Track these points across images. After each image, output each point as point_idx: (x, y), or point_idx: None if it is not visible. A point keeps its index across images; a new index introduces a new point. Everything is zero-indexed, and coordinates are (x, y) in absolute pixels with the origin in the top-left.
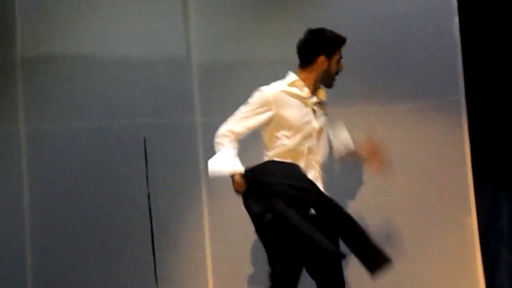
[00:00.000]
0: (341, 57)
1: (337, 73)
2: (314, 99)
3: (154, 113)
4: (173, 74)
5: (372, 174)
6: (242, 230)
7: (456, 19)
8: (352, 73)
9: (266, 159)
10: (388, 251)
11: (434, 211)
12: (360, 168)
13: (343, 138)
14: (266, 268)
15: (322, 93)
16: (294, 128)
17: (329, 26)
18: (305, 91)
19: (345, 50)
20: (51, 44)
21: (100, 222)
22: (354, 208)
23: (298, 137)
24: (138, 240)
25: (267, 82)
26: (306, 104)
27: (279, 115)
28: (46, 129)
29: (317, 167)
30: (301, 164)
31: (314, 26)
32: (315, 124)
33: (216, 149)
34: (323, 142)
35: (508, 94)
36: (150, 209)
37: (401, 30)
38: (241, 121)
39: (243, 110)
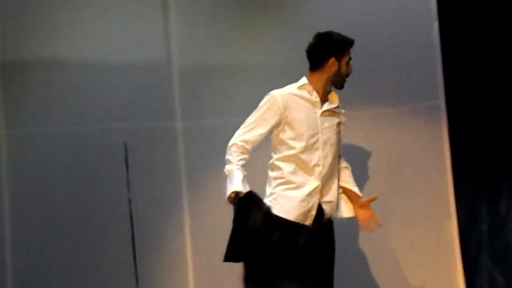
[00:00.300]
0: (350, 59)
1: (347, 74)
2: (326, 105)
3: (134, 118)
4: (154, 78)
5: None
6: (224, 236)
7: (435, 24)
8: None
9: (272, 162)
10: (368, 254)
11: (414, 214)
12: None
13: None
14: None
15: (335, 97)
16: (299, 133)
17: (309, 31)
18: (314, 95)
19: None
20: (31, 49)
21: (81, 227)
22: None
23: (302, 143)
24: (119, 246)
25: (247, 86)
26: (315, 109)
27: (287, 117)
28: (25, 134)
29: (318, 178)
30: (301, 172)
31: (294, 31)
32: (322, 132)
33: (226, 162)
34: (331, 151)
35: (488, 98)
36: (131, 214)
37: (381, 35)
38: (252, 128)
39: (253, 116)
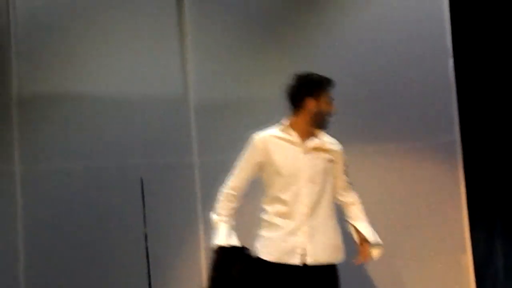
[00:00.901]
0: (331, 99)
1: (328, 114)
2: (309, 144)
3: (151, 154)
4: (170, 113)
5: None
6: None
7: (451, 61)
8: (347, 113)
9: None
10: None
11: (429, 251)
12: None
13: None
14: None
15: (321, 134)
16: (280, 173)
17: (322, 65)
18: (294, 136)
19: (339, 89)
20: (47, 84)
21: (97, 263)
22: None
23: (282, 183)
24: (136, 281)
25: (264, 120)
26: (296, 148)
27: (269, 160)
28: (41, 170)
29: (303, 217)
30: (283, 212)
31: (307, 63)
32: (304, 170)
33: (213, 210)
34: (317, 189)
35: (503, 135)
36: (147, 250)
37: (397, 71)
38: (239, 174)
39: (239, 162)
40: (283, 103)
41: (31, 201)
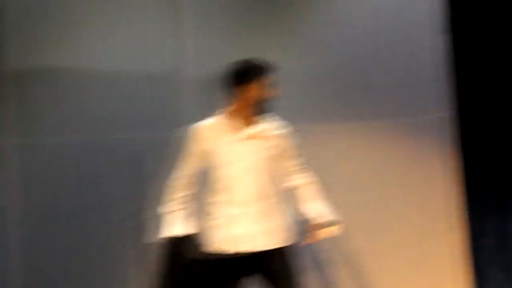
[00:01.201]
0: (272, 84)
1: (269, 99)
2: (249, 131)
3: (144, 128)
4: (164, 88)
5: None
6: None
7: (443, 37)
8: (337, 90)
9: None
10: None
11: (421, 227)
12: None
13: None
14: None
15: (262, 120)
16: (219, 162)
17: (317, 47)
18: (234, 123)
19: (330, 65)
20: (42, 59)
21: (91, 235)
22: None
23: (222, 171)
24: (132, 252)
25: None
26: (235, 135)
27: (209, 149)
28: (36, 144)
29: (246, 204)
30: (224, 200)
31: (303, 41)
32: (243, 157)
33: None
34: (258, 175)
35: (497, 111)
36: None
37: (388, 48)
38: (183, 165)
39: (183, 152)
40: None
41: (27, 175)
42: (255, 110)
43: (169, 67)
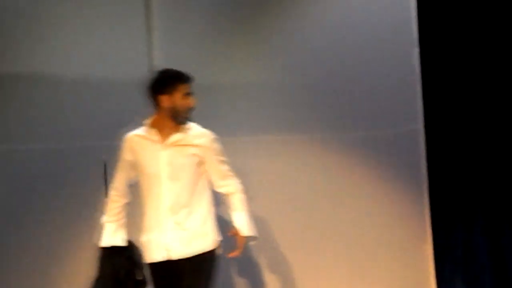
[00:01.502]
0: (188, 93)
1: (188, 109)
2: (169, 141)
3: (115, 135)
4: (136, 95)
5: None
6: None
7: (416, 50)
8: (312, 103)
9: None
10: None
11: (390, 238)
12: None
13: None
14: None
15: (184, 129)
16: (143, 172)
17: (291, 51)
18: (154, 134)
19: (301, 77)
20: (10, 64)
21: (57, 244)
22: (310, 234)
23: (147, 183)
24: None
25: (228, 104)
26: (156, 146)
27: (135, 160)
28: (2, 150)
29: (166, 214)
30: (150, 209)
31: (277, 49)
32: (163, 167)
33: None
34: (180, 184)
35: (467, 124)
36: None
37: (362, 61)
38: (117, 174)
39: (118, 162)
40: (250, 88)
41: None
42: (174, 120)
43: (140, 74)
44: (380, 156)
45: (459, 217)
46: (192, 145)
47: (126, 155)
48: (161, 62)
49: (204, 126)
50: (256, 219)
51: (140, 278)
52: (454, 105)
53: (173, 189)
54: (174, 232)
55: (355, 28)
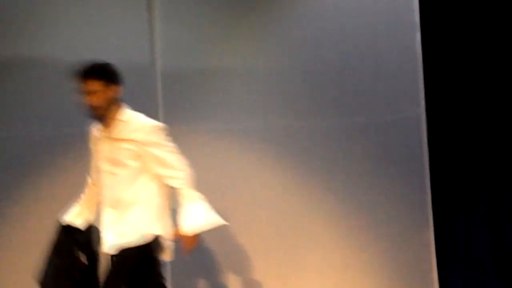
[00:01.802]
0: (79, 91)
1: (88, 106)
2: (109, 135)
3: None
4: (137, 82)
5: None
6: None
7: (418, 35)
8: (314, 88)
9: None
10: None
11: (391, 225)
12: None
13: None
14: None
15: (116, 124)
16: (93, 164)
17: (291, 38)
18: (99, 127)
19: (301, 64)
20: (7, 49)
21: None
22: (303, 220)
23: (94, 173)
24: None
25: (231, 91)
26: (100, 141)
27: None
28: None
29: (104, 208)
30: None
31: (277, 35)
32: (102, 161)
33: None
34: (116, 179)
35: (468, 109)
36: None
37: (364, 45)
38: (91, 163)
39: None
40: (251, 74)
41: None
42: (113, 111)
43: (142, 60)
44: (381, 142)
45: (461, 203)
46: (127, 140)
47: (92, 145)
48: (163, 46)
49: (205, 112)
50: (256, 203)
51: (85, 263)
52: (456, 90)
53: (111, 183)
54: (109, 226)
55: (356, 13)
